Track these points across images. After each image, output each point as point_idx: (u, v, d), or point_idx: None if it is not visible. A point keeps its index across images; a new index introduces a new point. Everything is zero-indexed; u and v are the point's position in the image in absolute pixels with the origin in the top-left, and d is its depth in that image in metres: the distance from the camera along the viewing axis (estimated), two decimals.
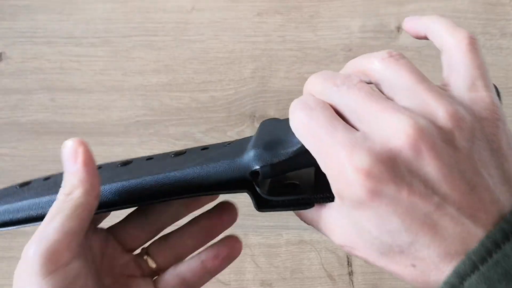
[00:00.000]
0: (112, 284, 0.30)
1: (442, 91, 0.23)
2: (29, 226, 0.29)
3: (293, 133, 0.24)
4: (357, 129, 0.23)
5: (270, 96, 0.55)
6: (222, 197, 0.32)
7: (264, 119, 0.29)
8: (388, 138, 0.21)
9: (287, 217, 0.53)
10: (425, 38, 0.28)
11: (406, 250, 0.22)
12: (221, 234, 0.33)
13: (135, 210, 0.32)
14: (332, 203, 0.25)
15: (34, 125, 0.55)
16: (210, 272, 0.31)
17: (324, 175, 0.23)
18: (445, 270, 0.21)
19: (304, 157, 0.24)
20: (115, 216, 0.31)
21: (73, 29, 0.57)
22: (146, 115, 0.55)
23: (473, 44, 0.24)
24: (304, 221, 0.27)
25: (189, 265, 0.31)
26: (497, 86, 0.25)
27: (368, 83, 0.24)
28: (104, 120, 0.55)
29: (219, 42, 0.56)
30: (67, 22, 0.57)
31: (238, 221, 0.33)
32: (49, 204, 0.27)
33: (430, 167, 0.21)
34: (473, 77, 0.24)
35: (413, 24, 0.28)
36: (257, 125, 0.53)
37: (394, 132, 0.21)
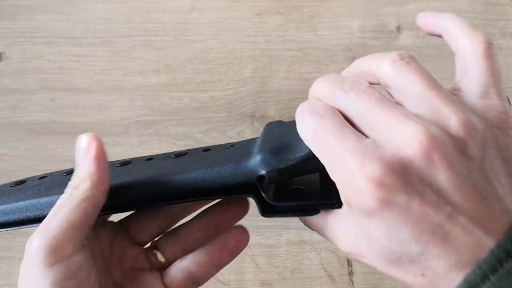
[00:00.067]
0: (120, 277, 0.30)
1: (454, 97, 0.23)
2: (25, 228, 0.28)
3: (300, 138, 0.24)
4: (366, 136, 0.22)
5: (270, 96, 0.55)
6: None
7: (265, 120, 0.29)
8: (399, 147, 0.21)
9: None
10: (439, 36, 0.27)
11: (416, 259, 0.21)
12: None
13: None
14: (339, 209, 0.25)
15: (34, 125, 0.55)
16: (216, 265, 0.30)
17: (330, 180, 0.23)
18: (455, 279, 0.21)
19: (311, 163, 0.24)
20: None
21: (73, 29, 0.57)
22: (146, 115, 0.55)
23: (490, 50, 0.24)
24: (309, 227, 0.27)
25: (194, 258, 0.30)
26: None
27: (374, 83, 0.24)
28: (104, 120, 0.55)
29: (219, 42, 0.56)
30: (67, 22, 0.57)
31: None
32: (47, 206, 0.27)
33: (442, 176, 0.21)
34: (487, 85, 0.23)
35: (428, 20, 0.27)
36: (257, 125, 0.53)
37: (406, 140, 0.21)
